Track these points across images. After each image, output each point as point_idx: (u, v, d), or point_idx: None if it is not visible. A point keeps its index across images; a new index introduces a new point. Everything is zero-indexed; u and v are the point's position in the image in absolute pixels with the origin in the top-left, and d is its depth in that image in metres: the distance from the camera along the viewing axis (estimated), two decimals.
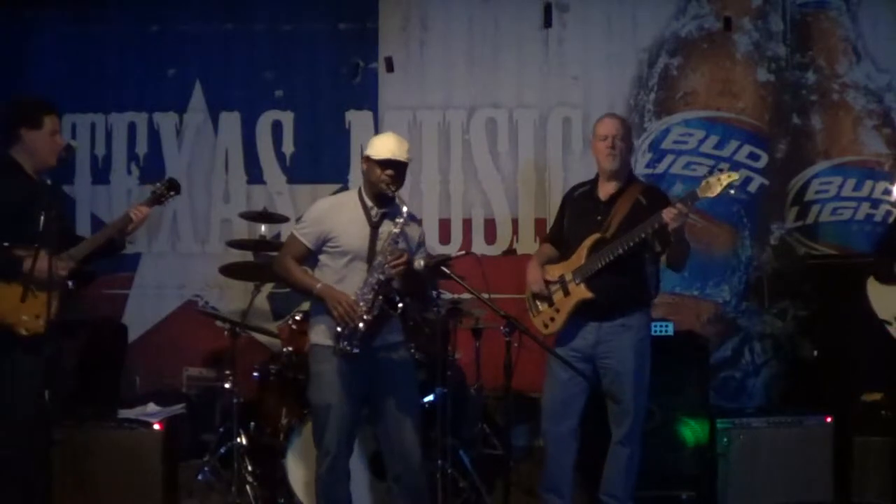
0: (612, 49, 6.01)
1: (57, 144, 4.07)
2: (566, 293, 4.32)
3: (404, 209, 3.99)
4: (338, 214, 4.06)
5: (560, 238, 4.56)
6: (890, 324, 4.40)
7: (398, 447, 4.06)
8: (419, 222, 4.27)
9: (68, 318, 4.09)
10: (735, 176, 4.05)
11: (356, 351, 3.90)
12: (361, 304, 3.90)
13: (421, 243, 4.22)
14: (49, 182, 3.96)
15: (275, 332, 5.51)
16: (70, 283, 4.01)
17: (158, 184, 4.36)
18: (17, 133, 4.03)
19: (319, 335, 4.04)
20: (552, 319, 4.36)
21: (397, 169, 4.02)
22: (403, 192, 4.09)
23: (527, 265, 4.54)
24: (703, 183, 4.05)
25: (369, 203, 4.06)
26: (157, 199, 4.31)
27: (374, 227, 4.03)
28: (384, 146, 4.03)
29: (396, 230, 3.98)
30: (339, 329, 3.91)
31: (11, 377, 3.86)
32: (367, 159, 4.05)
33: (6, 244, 3.88)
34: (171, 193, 4.34)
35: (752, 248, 5.96)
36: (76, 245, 4.07)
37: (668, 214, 4.05)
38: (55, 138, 4.08)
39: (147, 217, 4.26)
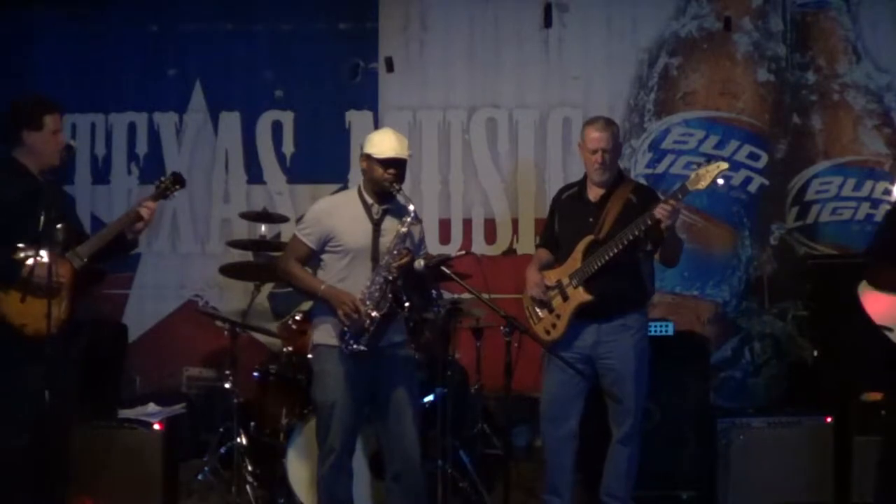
0: (612, 49, 6.01)
1: (59, 143, 4.04)
2: (565, 298, 4.28)
3: (411, 207, 3.99)
4: (339, 214, 4.04)
5: (553, 242, 4.52)
6: (891, 330, 4.26)
7: (398, 446, 4.06)
8: (420, 220, 4.26)
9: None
10: (725, 165, 4.03)
11: (364, 348, 3.89)
12: (368, 302, 3.90)
13: (421, 240, 4.22)
14: (52, 182, 3.94)
15: (275, 332, 5.50)
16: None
17: (163, 178, 4.28)
18: (18, 135, 4.00)
19: (323, 335, 4.03)
20: (553, 326, 4.31)
21: (399, 166, 4.00)
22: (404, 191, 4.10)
23: (526, 269, 4.51)
24: (692, 175, 4.02)
25: (370, 200, 4.05)
26: (161, 194, 4.22)
27: (377, 224, 4.02)
28: (386, 144, 4.00)
29: (405, 230, 3.97)
30: (344, 328, 3.90)
31: (16, 377, 3.85)
32: (368, 157, 4.01)
33: (8, 246, 3.86)
34: (176, 187, 4.26)
35: (752, 248, 5.96)
36: (84, 243, 4.04)
37: (660, 212, 4.02)
38: (57, 137, 4.05)
39: (154, 212, 4.17)
